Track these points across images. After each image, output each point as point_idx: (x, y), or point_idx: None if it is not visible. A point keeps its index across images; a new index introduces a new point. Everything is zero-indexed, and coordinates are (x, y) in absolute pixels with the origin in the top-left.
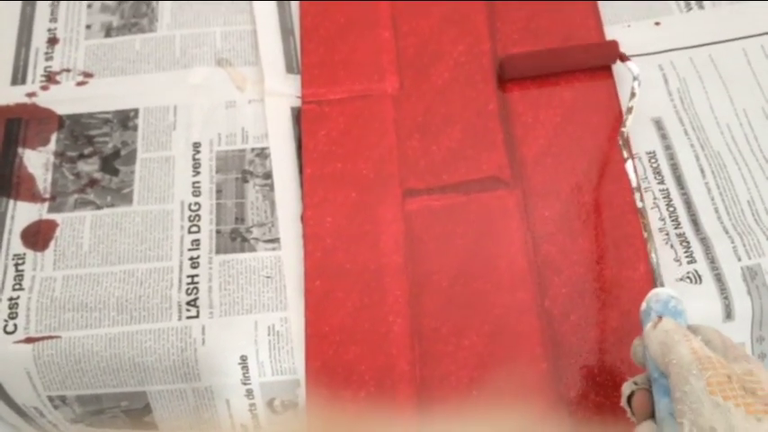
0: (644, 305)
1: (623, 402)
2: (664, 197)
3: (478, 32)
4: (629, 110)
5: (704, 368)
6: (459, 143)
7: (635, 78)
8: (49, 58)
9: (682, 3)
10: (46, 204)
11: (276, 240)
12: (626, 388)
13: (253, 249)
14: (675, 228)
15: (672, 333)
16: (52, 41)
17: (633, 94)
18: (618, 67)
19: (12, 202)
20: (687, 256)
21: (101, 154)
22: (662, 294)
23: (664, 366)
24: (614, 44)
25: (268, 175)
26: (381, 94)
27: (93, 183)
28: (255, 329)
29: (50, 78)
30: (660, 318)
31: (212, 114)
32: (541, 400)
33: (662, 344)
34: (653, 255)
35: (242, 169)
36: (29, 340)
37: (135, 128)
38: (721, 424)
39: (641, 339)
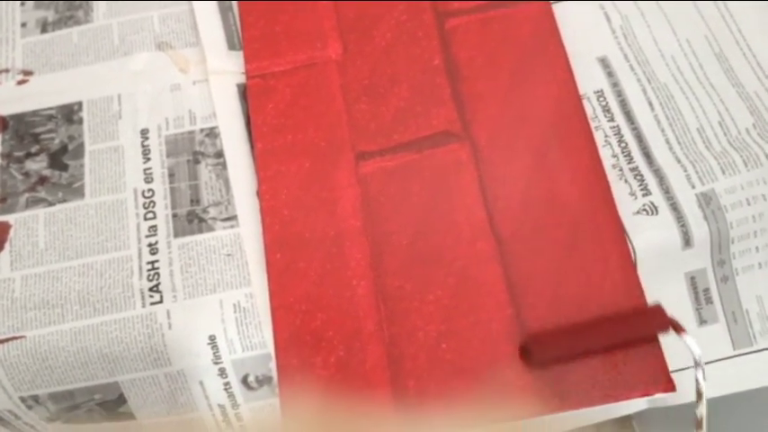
0: None
1: None
2: (615, 134)
3: None
4: (699, 423)
5: None
6: (408, 102)
7: (697, 365)
8: None
9: None
10: None
11: (234, 218)
12: None
13: (211, 229)
14: (629, 163)
15: None
16: None
17: (700, 395)
18: None
19: None
20: (642, 189)
21: (48, 151)
22: None
23: None
24: (659, 311)
25: (220, 154)
26: (326, 60)
27: (42, 180)
28: (221, 308)
29: None
30: None
31: (157, 99)
32: (509, 345)
33: None
34: None
35: (193, 151)
36: None
37: (80, 121)
38: None
39: None
